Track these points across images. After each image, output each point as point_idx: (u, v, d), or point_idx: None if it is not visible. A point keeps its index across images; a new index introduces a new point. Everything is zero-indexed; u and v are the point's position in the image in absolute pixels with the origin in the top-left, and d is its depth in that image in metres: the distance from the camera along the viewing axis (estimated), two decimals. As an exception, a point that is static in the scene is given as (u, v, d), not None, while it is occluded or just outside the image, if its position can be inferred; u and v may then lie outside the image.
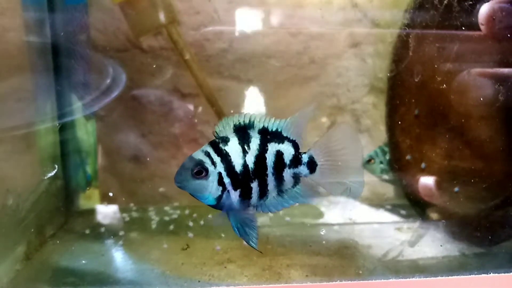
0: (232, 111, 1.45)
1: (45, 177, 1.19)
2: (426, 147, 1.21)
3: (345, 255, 1.11)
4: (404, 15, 1.27)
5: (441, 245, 1.15)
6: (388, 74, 1.38)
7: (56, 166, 1.27)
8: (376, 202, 1.51)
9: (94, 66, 1.38)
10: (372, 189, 1.57)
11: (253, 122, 0.80)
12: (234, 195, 0.80)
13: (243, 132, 0.80)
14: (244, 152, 0.79)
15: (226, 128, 0.80)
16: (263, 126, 0.80)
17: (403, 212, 1.40)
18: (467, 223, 1.13)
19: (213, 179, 0.78)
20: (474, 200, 1.10)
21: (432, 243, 1.18)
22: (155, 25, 1.26)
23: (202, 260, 1.09)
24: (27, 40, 1.20)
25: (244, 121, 0.80)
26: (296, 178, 0.82)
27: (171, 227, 1.30)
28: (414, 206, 1.32)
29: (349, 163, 0.83)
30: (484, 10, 1.01)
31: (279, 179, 0.81)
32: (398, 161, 1.33)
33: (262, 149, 0.80)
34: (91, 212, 1.41)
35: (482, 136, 1.08)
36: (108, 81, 1.32)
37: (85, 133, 1.42)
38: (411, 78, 1.20)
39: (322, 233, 1.27)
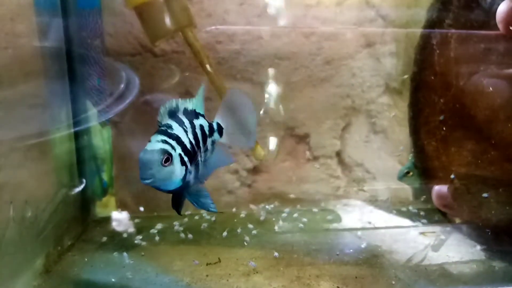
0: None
1: (73, 192, 1.16)
2: (453, 150, 1.18)
3: (374, 264, 1.09)
4: (426, 13, 1.24)
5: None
6: (406, 76, 1.35)
7: (84, 181, 1.23)
8: (398, 207, 1.49)
9: (109, 71, 1.35)
10: (393, 193, 1.55)
11: (177, 106, 0.89)
12: (191, 171, 0.87)
13: (175, 116, 0.88)
14: (185, 131, 0.86)
15: (163, 116, 0.87)
16: (184, 108, 0.89)
17: (426, 216, 1.38)
18: (496, 228, 1.11)
19: (177, 162, 0.82)
20: (503, 204, 1.08)
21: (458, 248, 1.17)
22: (171, 29, 1.23)
23: (227, 271, 1.06)
24: (40, 46, 1.17)
25: (172, 106, 0.88)
26: (213, 144, 0.95)
27: (190, 235, 1.27)
28: (440, 210, 1.30)
29: (244, 122, 0.99)
30: (501, 9, 0.98)
31: (205, 148, 0.92)
32: (423, 164, 1.31)
33: (193, 126, 0.89)
34: (108, 220, 1.38)
35: (510, 138, 1.06)
36: (122, 86, 1.29)
37: (101, 139, 1.39)
38: (436, 79, 1.18)
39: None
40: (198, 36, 1.29)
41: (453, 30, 1.15)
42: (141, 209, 1.44)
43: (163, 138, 0.82)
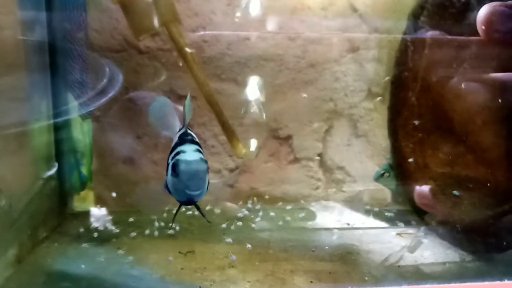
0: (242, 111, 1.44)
1: (45, 176, 1.15)
2: (429, 152, 1.20)
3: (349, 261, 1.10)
4: (407, 21, 1.27)
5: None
6: (387, 78, 1.38)
7: (56, 164, 1.22)
8: (377, 208, 1.51)
9: (91, 65, 1.35)
10: (371, 195, 1.57)
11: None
12: None
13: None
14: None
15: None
16: None
17: (403, 218, 1.40)
18: (471, 230, 1.12)
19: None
20: (478, 206, 1.10)
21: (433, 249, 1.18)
22: (156, 24, 1.23)
23: (202, 264, 1.06)
24: (22, 38, 1.17)
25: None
26: None
27: (170, 231, 1.27)
28: (416, 212, 1.32)
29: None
30: (481, 14, 1.01)
31: None
32: (400, 166, 1.32)
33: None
34: (86, 214, 1.37)
35: (485, 141, 1.08)
36: (105, 81, 1.29)
37: (81, 133, 1.38)
38: (414, 82, 1.20)
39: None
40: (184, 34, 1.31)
41: (430, 36, 1.18)
42: (118, 202, 1.43)
43: (197, 148, 0.82)
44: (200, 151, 0.83)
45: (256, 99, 1.50)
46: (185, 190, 0.80)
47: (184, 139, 0.88)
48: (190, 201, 0.85)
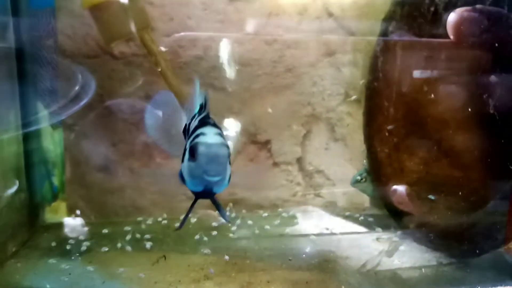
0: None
1: (6, 194, 1.11)
2: (405, 157, 1.21)
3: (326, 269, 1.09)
4: (381, 24, 1.27)
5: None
6: (362, 82, 1.38)
7: (17, 182, 1.18)
8: (356, 213, 1.51)
9: (62, 72, 1.31)
10: (350, 199, 1.57)
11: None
12: None
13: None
14: None
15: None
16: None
17: (381, 222, 1.40)
18: (447, 234, 1.13)
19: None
20: (453, 210, 1.11)
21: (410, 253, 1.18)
22: (127, 31, 1.21)
23: (177, 277, 1.03)
24: (-13, 45, 1.13)
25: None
26: None
27: (145, 242, 1.24)
28: (393, 216, 1.32)
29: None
30: (451, 18, 1.02)
31: None
32: (376, 171, 1.33)
33: None
34: (58, 226, 1.33)
35: (460, 145, 1.09)
36: (77, 88, 1.25)
37: (52, 142, 1.35)
38: (388, 87, 1.20)
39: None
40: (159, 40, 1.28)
41: (403, 39, 1.18)
42: (91, 213, 1.40)
43: (218, 131, 0.74)
44: (222, 136, 0.74)
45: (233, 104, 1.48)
46: (204, 176, 0.71)
47: (205, 121, 0.78)
48: (208, 192, 0.75)
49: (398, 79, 1.20)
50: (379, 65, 1.26)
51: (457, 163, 1.12)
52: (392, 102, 1.23)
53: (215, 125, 0.78)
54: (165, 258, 1.10)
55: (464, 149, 1.08)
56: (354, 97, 1.55)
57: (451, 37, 1.02)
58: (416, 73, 1.16)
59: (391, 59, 1.21)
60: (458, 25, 1.00)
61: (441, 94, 1.12)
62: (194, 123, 0.83)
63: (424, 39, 1.13)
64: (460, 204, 1.10)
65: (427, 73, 1.14)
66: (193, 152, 0.72)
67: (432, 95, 1.12)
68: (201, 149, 0.70)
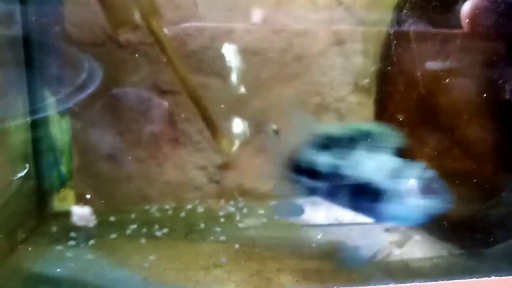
0: (222, 106, 1.41)
1: (15, 178, 1.11)
2: (416, 146, 1.19)
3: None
4: (392, 13, 1.25)
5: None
6: (373, 69, 1.36)
7: (27, 166, 1.18)
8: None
9: (69, 60, 1.30)
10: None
11: None
12: None
13: None
14: None
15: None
16: None
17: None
18: (459, 224, 1.11)
19: None
20: (466, 200, 1.09)
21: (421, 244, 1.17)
22: (134, 17, 1.19)
23: (186, 265, 1.03)
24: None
25: None
26: None
27: (151, 230, 1.24)
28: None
29: None
30: (465, 8, 1.00)
31: None
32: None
33: None
34: (66, 214, 1.33)
35: (473, 134, 1.07)
36: (84, 76, 1.25)
37: (59, 130, 1.34)
38: (401, 75, 1.18)
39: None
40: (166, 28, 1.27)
41: (416, 29, 1.16)
42: (99, 201, 1.40)
43: None
44: None
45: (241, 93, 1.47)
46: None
47: None
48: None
49: (409, 68, 1.18)
50: (390, 53, 1.24)
51: (470, 152, 1.10)
52: (404, 91, 1.21)
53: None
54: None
55: (478, 138, 1.06)
56: (366, 80, 1.53)
57: (465, 27, 1.00)
58: (429, 62, 1.14)
59: (403, 47, 1.19)
60: (473, 14, 0.98)
61: (455, 82, 1.10)
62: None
63: (437, 28, 1.11)
64: (472, 194, 1.08)
65: (440, 62, 1.12)
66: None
67: (446, 83, 1.10)
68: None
